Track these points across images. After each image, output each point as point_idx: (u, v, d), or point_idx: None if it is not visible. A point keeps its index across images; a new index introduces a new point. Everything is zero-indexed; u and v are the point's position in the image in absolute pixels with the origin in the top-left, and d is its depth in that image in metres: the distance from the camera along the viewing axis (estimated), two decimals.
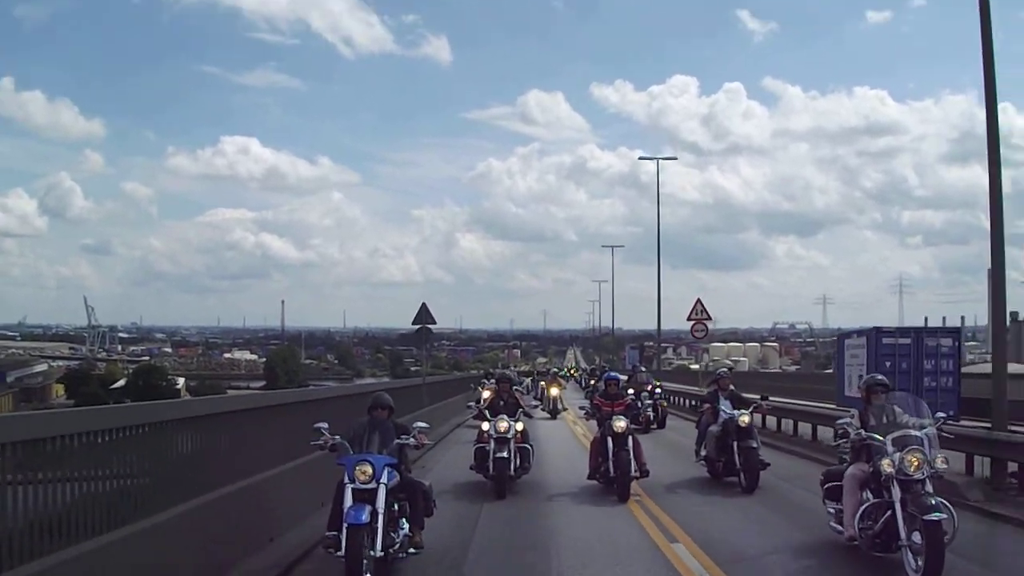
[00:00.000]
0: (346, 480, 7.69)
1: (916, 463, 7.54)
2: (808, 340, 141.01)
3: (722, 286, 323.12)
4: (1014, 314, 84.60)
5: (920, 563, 7.22)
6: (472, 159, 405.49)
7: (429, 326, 25.29)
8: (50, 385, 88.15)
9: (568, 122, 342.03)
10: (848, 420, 8.62)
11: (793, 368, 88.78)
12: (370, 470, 7.62)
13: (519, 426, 13.15)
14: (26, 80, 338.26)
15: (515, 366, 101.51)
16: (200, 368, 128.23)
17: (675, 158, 24.54)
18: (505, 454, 12.55)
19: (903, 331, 24.13)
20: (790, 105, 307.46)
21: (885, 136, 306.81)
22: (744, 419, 13.39)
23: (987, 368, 23.23)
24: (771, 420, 20.49)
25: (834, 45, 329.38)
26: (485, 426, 13.03)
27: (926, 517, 7.21)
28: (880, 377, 9.06)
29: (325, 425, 8.35)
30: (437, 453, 18.01)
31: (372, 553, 7.35)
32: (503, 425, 12.77)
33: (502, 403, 13.38)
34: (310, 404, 11.60)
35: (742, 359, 75.21)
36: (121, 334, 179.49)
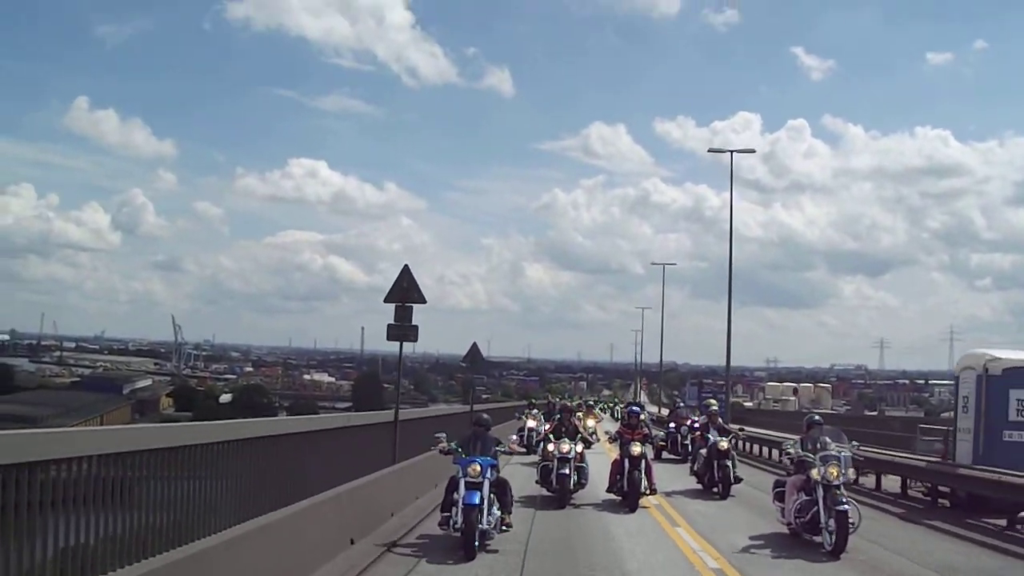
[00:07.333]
0: (460, 475, 10.52)
1: (835, 473, 11.30)
2: (868, 382, 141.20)
3: (789, 324, 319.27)
4: None
5: (833, 540, 10.93)
6: (538, 189, 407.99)
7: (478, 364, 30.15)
8: (159, 397, 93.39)
9: (630, 155, 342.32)
10: (793, 442, 12.47)
11: (843, 409, 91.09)
12: (479, 468, 10.46)
13: (579, 448, 15.19)
14: (100, 99, 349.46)
15: (580, 398, 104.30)
16: (284, 388, 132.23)
17: (753, 150, 27.45)
18: (566, 471, 14.70)
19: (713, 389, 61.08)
20: (851, 144, 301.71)
21: (949, 177, 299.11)
22: (723, 444, 17.05)
23: None
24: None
25: (893, 85, 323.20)
26: (550, 447, 15.24)
27: (837, 508, 10.95)
28: (817, 417, 12.92)
29: (443, 435, 11.50)
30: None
31: (480, 526, 10.15)
32: (565, 447, 14.91)
33: (564, 429, 15.65)
34: (424, 421, 15.38)
35: (791, 399, 78.85)
36: (203, 351, 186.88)
